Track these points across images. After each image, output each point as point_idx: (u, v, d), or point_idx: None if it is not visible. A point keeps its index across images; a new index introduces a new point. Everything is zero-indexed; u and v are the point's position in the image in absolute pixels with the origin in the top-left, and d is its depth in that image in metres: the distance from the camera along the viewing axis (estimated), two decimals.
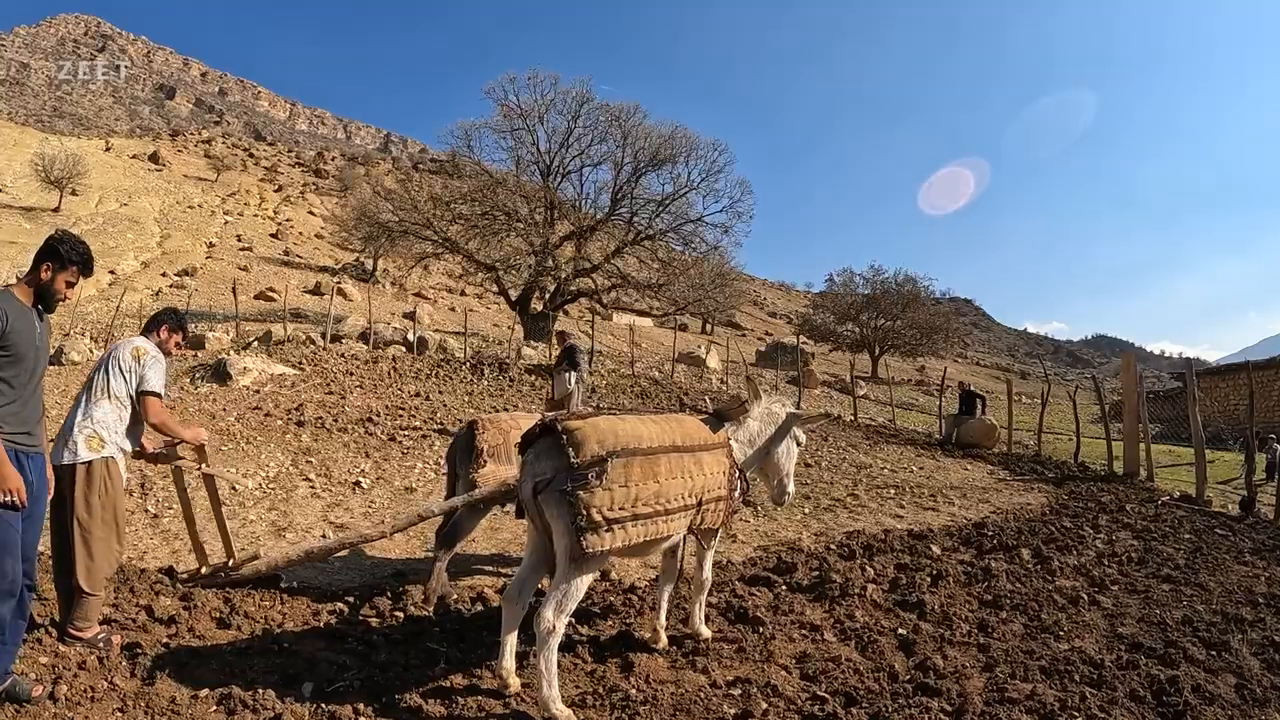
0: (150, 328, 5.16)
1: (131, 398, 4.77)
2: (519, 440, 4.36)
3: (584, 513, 3.83)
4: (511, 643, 4.17)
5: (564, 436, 3.96)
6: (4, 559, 3.62)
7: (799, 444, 5.34)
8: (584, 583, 3.97)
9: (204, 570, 5.83)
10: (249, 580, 5.75)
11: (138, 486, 9.11)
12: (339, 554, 6.50)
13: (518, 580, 4.27)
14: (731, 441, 4.85)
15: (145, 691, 3.90)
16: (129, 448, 4.84)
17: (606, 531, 3.88)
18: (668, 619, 5.22)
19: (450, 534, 6.03)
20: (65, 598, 4.54)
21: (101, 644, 4.43)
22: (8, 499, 3.60)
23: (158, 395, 4.84)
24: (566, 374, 12.50)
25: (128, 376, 4.76)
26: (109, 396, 4.70)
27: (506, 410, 15.87)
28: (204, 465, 5.67)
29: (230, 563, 5.80)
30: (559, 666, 4.54)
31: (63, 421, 4.70)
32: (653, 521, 4.11)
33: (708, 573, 5.06)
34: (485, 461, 6.10)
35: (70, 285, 3.96)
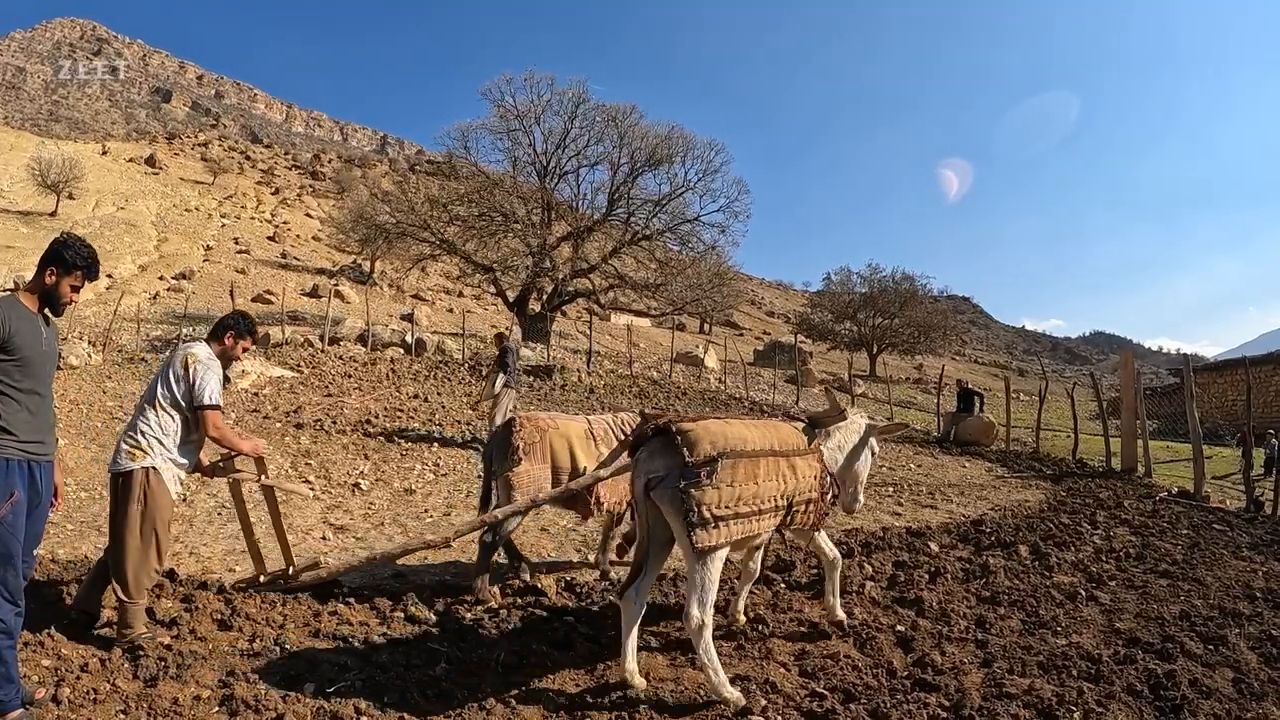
0: (215, 334, 5.01)
1: (180, 407, 4.69)
2: (631, 440, 4.60)
3: (695, 509, 4.04)
4: (633, 643, 4.35)
5: (679, 437, 4.19)
6: (5, 569, 3.59)
7: (874, 454, 5.53)
8: (713, 573, 4.15)
9: (262, 579, 5.81)
10: (307, 588, 5.77)
11: None
12: (401, 559, 6.50)
13: (631, 582, 4.41)
14: (823, 448, 5.06)
15: (148, 693, 3.91)
16: (181, 459, 4.75)
17: (714, 528, 4.08)
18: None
19: (494, 531, 6.09)
20: (91, 582, 4.68)
21: (144, 641, 4.47)
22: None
23: (215, 407, 4.77)
24: (496, 376, 12.65)
25: (176, 386, 4.68)
26: (155, 405, 4.65)
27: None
28: (263, 477, 5.58)
29: (290, 570, 5.80)
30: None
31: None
32: (751, 520, 4.33)
33: (756, 565, 5.35)
34: (521, 459, 6.13)
35: (75, 289, 3.89)
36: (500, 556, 6.55)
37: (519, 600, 5.88)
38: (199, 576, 6.09)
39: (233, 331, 5.00)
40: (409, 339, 26.32)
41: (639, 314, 42.33)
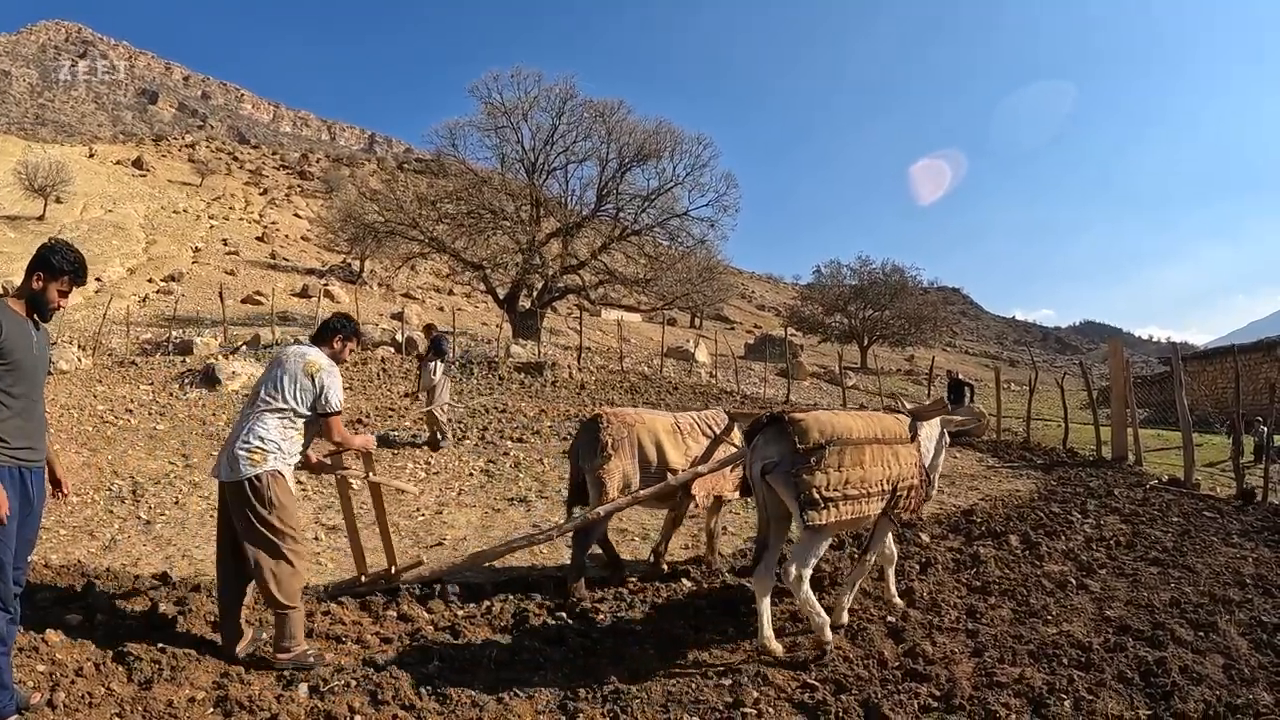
0: (323, 337, 4.97)
1: (301, 414, 4.66)
2: (746, 428, 4.98)
3: (806, 492, 4.48)
4: (768, 612, 4.76)
5: (790, 426, 4.61)
6: None
7: (946, 445, 6.00)
8: (817, 544, 4.65)
9: (364, 579, 5.86)
10: (407, 586, 5.83)
11: (130, 493, 9.11)
12: (503, 557, 6.57)
13: (759, 559, 4.88)
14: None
15: (142, 696, 3.92)
16: (295, 461, 4.73)
17: (824, 508, 4.51)
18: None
19: (587, 529, 6.19)
20: (229, 615, 4.62)
21: (313, 659, 4.41)
22: None
23: (339, 413, 4.79)
24: (433, 363, 12.68)
25: (302, 395, 4.64)
26: (275, 411, 4.60)
27: (498, 406, 15.92)
28: (370, 474, 5.64)
29: (392, 569, 5.86)
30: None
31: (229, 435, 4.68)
32: (858, 502, 4.75)
33: (893, 548, 5.80)
34: (610, 455, 6.20)
35: (63, 294, 3.87)
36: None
37: (510, 597, 5.89)
38: (193, 579, 6.09)
39: (341, 335, 4.98)
40: (399, 338, 26.26)
41: (629, 309, 42.33)
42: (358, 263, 55.76)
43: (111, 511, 8.52)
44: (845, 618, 5.37)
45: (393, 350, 24.92)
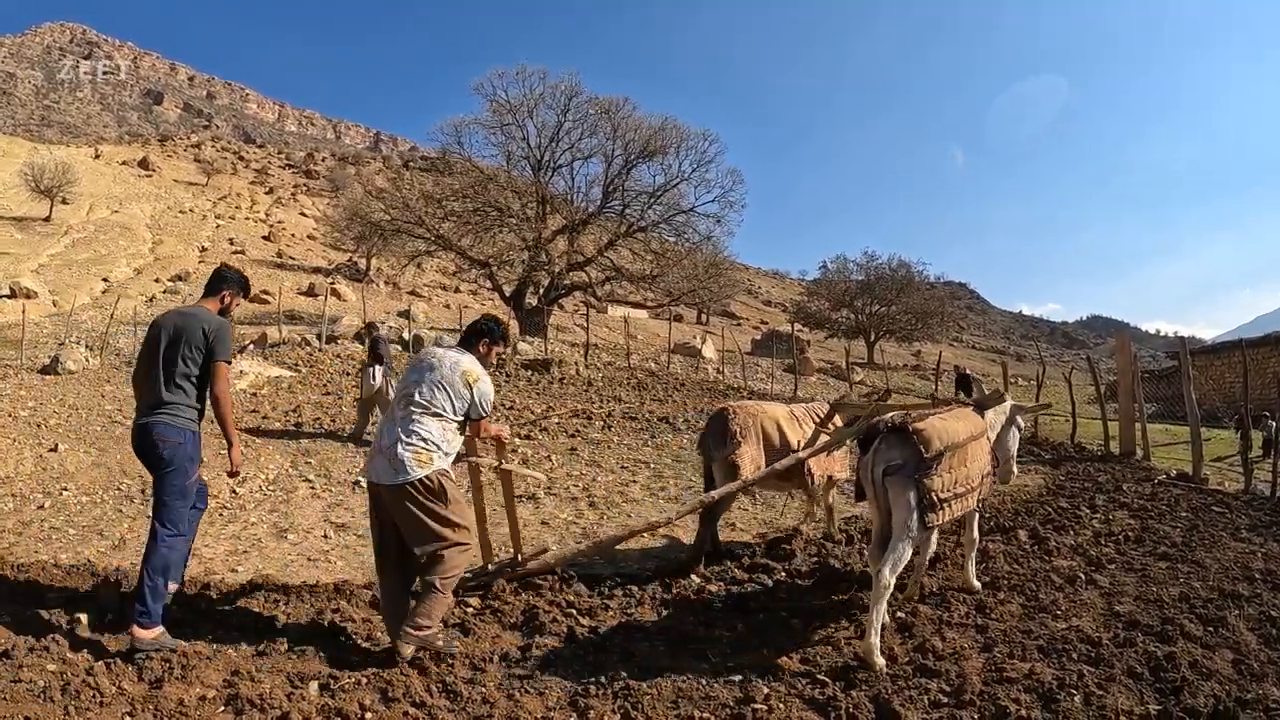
0: (471, 340, 5.08)
1: (458, 420, 4.78)
2: (863, 433, 5.29)
3: (928, 496, 4.74)
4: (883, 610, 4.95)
5: (915, 435, 4.81)
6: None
7: (1019, 430, 6.28)
8: (910, 551, 4.78)
9: (490, 567, 6.07)
10: (534, 574, 6.06)
11: (139, 493, 9.13)
12: (624, 542, 6.82)
13: (876, 547, 4.98)
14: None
15: (153, 694, 3.92)
16: (454, 458, 4.84)
17: (941, 509, 4.81)
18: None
19: (711, 511, 6.70)
20: (395, 619, 4.63)
21: (441, 643, 4.55)
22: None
23: (489, 415, 4.98)
24: (372, 368, 12.60)
25: (456, 403, 4.75)
26: (434, 415, 4.69)
27: (505, 404, 15.95)
28: (502, 462, 5.87)
29: (519, 557, 6.09)
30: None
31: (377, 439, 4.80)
32: (962, 499, 5.08)
33: (976, 533, 5.97)
34: (740, 442, 6.66)
35: (236, 307, 4.91)
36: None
37: (521, 593, 5.90)
38: (202, 578, 6.10)
39: (488, 339, 5.10)
40: (406, 336, 26.29)
41: (636, 306, 42.38)
42: (364, 261, 55.85)
43: (121, 511, 8.54)
44: (977, 584, 5.99)
45: (400, 348, 24.95)
